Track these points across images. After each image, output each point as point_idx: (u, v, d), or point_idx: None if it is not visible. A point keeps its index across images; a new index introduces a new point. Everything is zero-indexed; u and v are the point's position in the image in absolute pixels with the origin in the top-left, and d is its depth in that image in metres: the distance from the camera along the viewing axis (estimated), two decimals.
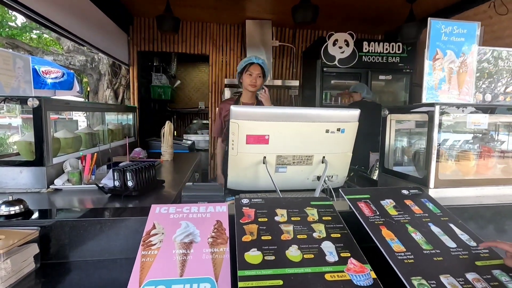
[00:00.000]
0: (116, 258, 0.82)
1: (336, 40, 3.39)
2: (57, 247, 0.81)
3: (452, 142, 1.18)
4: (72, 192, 1.36)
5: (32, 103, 1.30)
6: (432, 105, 1.05)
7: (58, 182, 1.39)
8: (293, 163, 1.23)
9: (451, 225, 0.86)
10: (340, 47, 3.41)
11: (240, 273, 0.64)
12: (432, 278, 0.67)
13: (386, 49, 3.50)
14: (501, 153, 1.22)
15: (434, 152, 1.06)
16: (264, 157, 1.18)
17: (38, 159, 1.35)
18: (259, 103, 2.05)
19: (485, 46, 1.14)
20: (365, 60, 3.48)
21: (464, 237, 0.81)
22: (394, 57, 3.52)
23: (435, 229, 0.84)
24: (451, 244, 0.78)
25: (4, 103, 1.35)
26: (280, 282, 0.62)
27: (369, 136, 1.99)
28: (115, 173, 1.26)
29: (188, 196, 1.00)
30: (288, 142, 1.18)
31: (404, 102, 3.72)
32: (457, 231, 0.84)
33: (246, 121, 1.12)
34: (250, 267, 0.65)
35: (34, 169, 1.35)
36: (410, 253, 0.74)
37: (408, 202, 0.95)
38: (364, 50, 3.47)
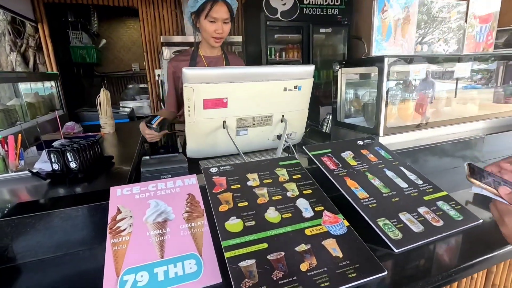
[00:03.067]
0: (78, 250, 0.74)
1: None
2: None
3: (396, 92, 1.29)
4: None
5: None
6: (381, 58, 1.10)
7: None
8: (254, 124, 1.20)
9: (402, 168, 0.96)
10: None
11: (224, 243, 0.63)
12: (393, 217, 0.76)
13: (326, 1, 3.49)
14: (436, 99, 1.38)
15: (384, 103, 1.14)
16: (224, 122, 1.13)
17: None
18: (226, 56, 1.60)
19: None
20: (307, 12, 3.44)
21: (412, 177, 0.92)
22: (333, 9, 3.54)
23: (389, 173, 0.93)
24: (403, 185, 0.89)
25: None
26: (265, 245, 0.63)
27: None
28: (53, 155, 1.08)
29: (148, 172, 0.92)
30: (248, 104, 1.14)
31: (343, 54, 3.87)
32: (407, 172, 0.94)
33: (202, 85, 1.03)
34: (233, 236, 0.65)
35: None
36: (373, 198, 0.82)
37: (364, 151, 1.03)
38: (305, 2, 3.41)
